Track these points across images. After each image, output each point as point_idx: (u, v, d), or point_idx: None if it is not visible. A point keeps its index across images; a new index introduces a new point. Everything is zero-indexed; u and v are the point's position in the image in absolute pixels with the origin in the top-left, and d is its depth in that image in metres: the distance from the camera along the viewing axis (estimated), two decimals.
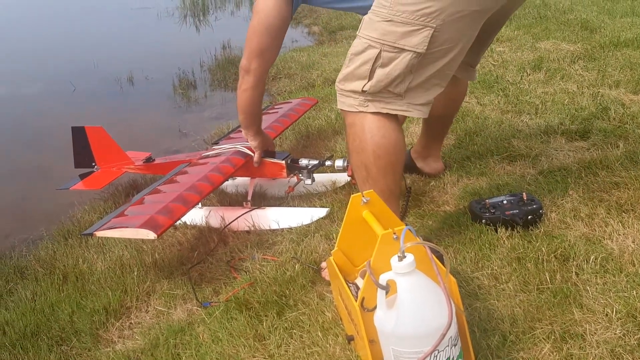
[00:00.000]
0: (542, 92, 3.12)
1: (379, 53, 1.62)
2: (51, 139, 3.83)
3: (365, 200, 1.57)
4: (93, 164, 2.70)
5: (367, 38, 1.64)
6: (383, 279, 1.31)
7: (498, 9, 1.70)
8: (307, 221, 2.29)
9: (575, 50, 3.77)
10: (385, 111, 1.68)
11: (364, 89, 1.66)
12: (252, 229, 2.33)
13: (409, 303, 1.27)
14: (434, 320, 1.27)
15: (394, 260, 1.30)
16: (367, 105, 1.69)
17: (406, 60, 1.61)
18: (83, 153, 2.68)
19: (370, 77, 1.64)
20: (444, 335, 1.25)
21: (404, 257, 1.29)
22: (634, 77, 3.11)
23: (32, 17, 9.33)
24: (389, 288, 1.32)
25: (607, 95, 2.92)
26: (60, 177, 2.88)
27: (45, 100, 5.04)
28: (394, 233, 1.37)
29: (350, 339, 1.54)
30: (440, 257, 1.47)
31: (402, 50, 1.60)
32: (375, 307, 1.34)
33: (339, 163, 2.44)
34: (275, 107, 3.11)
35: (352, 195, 1.57)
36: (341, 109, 1.75)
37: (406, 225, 1.39)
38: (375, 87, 1.65)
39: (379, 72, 1.63)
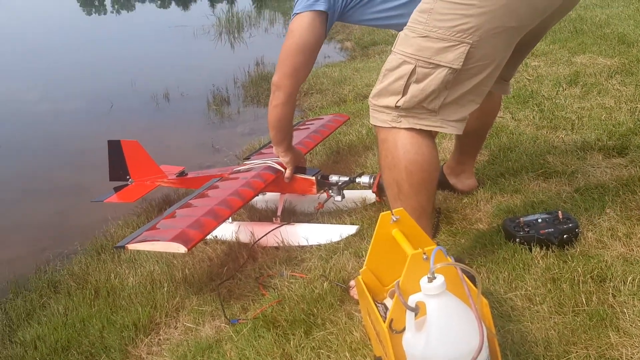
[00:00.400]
0: (579, 107, 3.05)
1: (414, 69, 1.61)
2: (89, 156, 3.92)
3: (394, 219, 1.54)
4: (127, 177, 2.74)
5: (402, 54, 1.63)
6: (412, 300, 1.28)
7: (536, 24, 1.68)
8: (336, 238, 2.27)
9: (612, 64, 3.68)
10: (418, 127, 1.67)
11: (398, 104, 1.65)
12: (281, 245, 2.32)
13: (439, 326, 1.24)
14: (464, 343, 1.23)
15: (424, 281, 1.27)
16: (400, 121, 1.67)
17: (441, 76, 1.59)
18: (118, 166, 2.73)
19: (404, 93, 1.63)
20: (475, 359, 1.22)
21: (434, 278, 1.26)
22: None
23: (74, 39, 9.61)
24: (418, 310, 1.29)
25: None
26: (96, 192, 2.92)
27: (83, 118, 5.17)
28: (424, 253, 1.34)
29: None
30: (472, 278, 1.43)
31: (438, 66, 1.59)
32: (404, 329, 1.32)
33: (365, 180, 2.43)
34: (307, 123, 3.12)
35: (381, 214, 1.55)
36: (374, 125, 1.74)
37: (437, 244, 1.36)
38: (409, 103, 1.64)
39: (414, 88, 1.62)
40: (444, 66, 1.58)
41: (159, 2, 15.97)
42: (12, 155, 4.25)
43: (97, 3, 16.11)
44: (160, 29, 9.91)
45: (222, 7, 11.44)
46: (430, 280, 1.25)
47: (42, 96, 6.03)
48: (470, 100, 1.66)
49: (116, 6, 15.67)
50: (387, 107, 1.67)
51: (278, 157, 2.57)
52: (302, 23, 2.05)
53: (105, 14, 14.39)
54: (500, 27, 1.56)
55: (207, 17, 9.61)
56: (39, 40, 9.45)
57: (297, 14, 2.04)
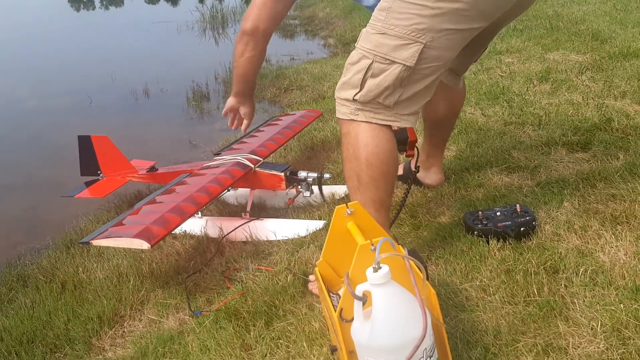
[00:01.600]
0: (547, 104, 3.10)
1: (371, 63, 1.65)
2: (64, 151, 3.90)
3: (349, 212, 1.57)
4: (98, 172, 2.76)
5: (362, 49, 1.68)
6: (359, 289, 1.32)
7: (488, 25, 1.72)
8: (303, 232, 2.30)
9: (584, 61, 3.73)
10: (374, 121, 1.70)
11: (355, 97, 1.69)
12: (250, 239, 2.35)
13: (384, 314, 1.28)
14: (408, 331, 1.26)
15: (369, 271, 1.30)
16: (357, 114, 1.71)
17: (396, 73, 1.63)
18: (89, 161, 2.75)
19: (361, 87, 1.67)
20: (417, 347, 1.25)
21: (379, 268, 1.30)
22: None
23: (60, 35, 9.56)
24: (365, 299, 1.32)
25: (612, 106, 2.89)
26: (71, 187, 2.93)
27: (62, 113, 5.16)
28: (372, 244, 1.37)
29: (333, 349, 1.55)
30: (421, 268, 1.47)
31: (393, 62, 1.63)
32: (353, 318, 1.35)
33: (327, 175, 2.48)
34: (280, 118, 3.14)
35: (337, 207, 1.58)
36: (338, 117, 1.78)
37: (391, 236, 1.40)
38: (365, 97, 1.67)
39: (370, 82, 1.66)
40: (398, 63, 1.62)
41: None
42: None
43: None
44: (144, 25, 9.87)
45: (209, 2, 11.40)
46: (376, 270, 1.29)
47: (21, 91, 6.01)
48: (424, 96, 1.71)
49: (105, 2, 15.58)
50: (347, 99, 1.71)
51: (248, 153, 2.60)
52: None
53: (93, 9, 14.31)
54: (454, 28, 1.61)
55: (191, 12, 9.58)
56: (25, 37, 9.39)
57: None
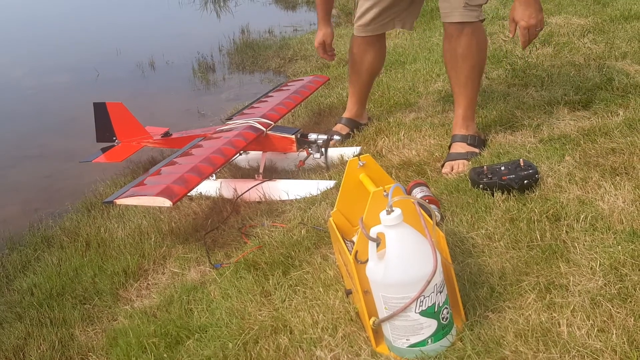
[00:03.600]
0: (549, 66, 3.17)
1: None
2: (76, 123, 4.00)
3: (361, 164, 1.67)
4: (114, 138, 2.84)
5: None
6: (373, 232, 1.42)
7: None
8: (314, 192, 2.39)
9: (585, 24, 3.79)
10: (482, 17, 2.34)
11: (484, 3, 2.30)
12: (263, 199, 2.44)
13: (397, 253, 1.38)
14: (419, 268, 1.37)
15: (383, 213, 1.40)
16: (480, 15, 2.31)
17: None
18: (104, 128, 2.83)
19: None
20: (429, 282, 1.35)
21: (392, 210, 1.39)
22: None
23: (55, 8, 9.54)
24: (379, 240, 1.42)
25: (613, 67, 2.95)
26: (84, 155, 3.02)
27: (70, 87, 5.21)
28: (384, 190, 1.47)
29: (348, 292, 1.65)
30: (430, 214, 1.56)
31: None
32: (367, 260, 1.45)
33: (336, 137, 2.58)
34: (288, 84, 3.22)
35: (349, 160, 1.68)
36: (461, 21, 2.27)
37: (396, 183, 1.49)
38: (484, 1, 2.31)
39: None
40: None
41: None
42: (1, 124, 4.33)
43: None
44: None
45: None
46: (389, 212, 1.38)
47: (28, 67, 6.05)
48: None
49: None
50: (478, 5, 2.27)
51: (259, 117, 2.69)
52: None
53: None
54: None
55: None
56: (23, 12, 9.39)
57: None
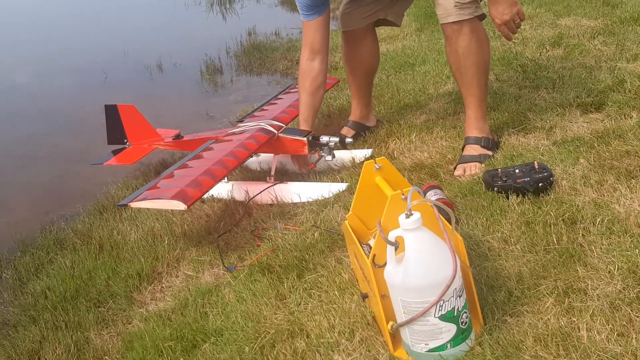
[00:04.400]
0: (560, 67, 3.16)
1: None
2: (86, 124, 4.01)
3: (377, 167, 1.66)
4: (125, 140, 2.85)
5: None
6: (392, 235, 1.41)
7: None
8: (326, 194, 2.39)
9: (595, 26, 3.77)
10: (480, 12, 2.30)
11: None
12: (275, 202, 2.44)
13: (416, 256, 1.37)
14: (439, 272, 1.36)
15: (402, 217, 1.39)
16: (477, 11, 2.27)
17: None
18: (116, 130, 2.84)
19: None
20: (448, 286, 1.35)
21: (411, 214, 1.39)
22: None
23: (65, 13, 9.57)
24: (397, 244, 1.41)
25: (625, 69, 2.94)
26: (94, 158, 3.03)
27: (79, 89, 5.23)
28: (403, 194, 1.46)
29: (364, 296, 1.65)
30: (448, 218, 1.56)
31: None
32: (385, 263, 1.45)
33: (348, 140, 2.58)
34: (297, 86, 3.21)
35: (365, 162, 1.68)
36: (457, 20, 2.25)
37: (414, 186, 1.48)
38: None
39: None
40: None
41: None
42: (11, 125, 4.34)
43: None
44: (151, 1, 9.86)
45: None
46: (408, 216, 1.38)
47: (36, 68, 6.07)
48: None
49: None
50: (470, 1, 2.24)
51: (270, 120, 2.68)
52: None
53: None
54: None
55: None
56: (29, 15, 9.42)
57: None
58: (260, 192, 2.48)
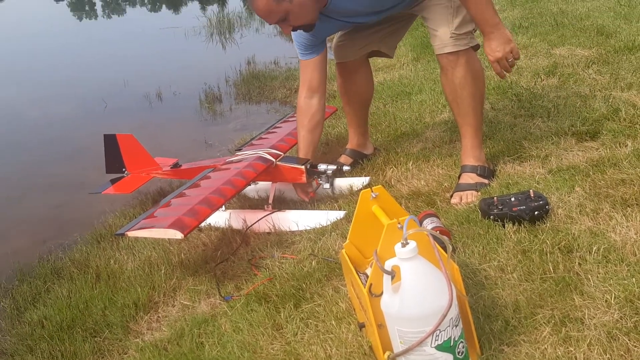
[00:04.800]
0: (555, 96, 3.19)
1: None
2: (85, 153, 4.03)
3: (374, 195, 1.68)
4: (123, 169, 2.86)
5: None
6: (388, 264, 1.41)
7: None
8: (324, 222, 2.39)
9: (589, 55, 3.82)
10: (474, 43, 2.35)
11: (473, 29, 2.34)
12: (273, 230, 2.44)
13: (412, 286, 1.37)
14: (435, 302, 1.36)
15: (398, 246, 1.40)
16: (472, 42, 2.33)
17: None
18: (114, 159, 2.85)
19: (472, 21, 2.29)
20: (444, 316, 1.35)
21: (407, 243, 1.39)
22: None
23: (65, 43, 9.68)
24: (394, 273, 1.41)
25: (619, 97, 2.97)
26: (93, 187, 3.03)
27: (79, 118, 5.27)
28: (399, 222, 1.47)
29: (361, 325, 1.64)
30: (445, 247, 1.56)
31: None
32: (382, 293, 1.45)
33: (346, 168, 2.62)
34: (295, 115, 3.24)
35: (362, 191, 1.69)
36: (454, 51, 2.29)
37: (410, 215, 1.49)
38: (474, 27, 2.34)
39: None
40: None
41: (149, 5, 16.03)
42: (9, 155, 4.37)
43: (87, 8, 16.14)
44: (151, 31, 9.99)
45: (212, 9, 11.52)
46: (404, 245, 1.38)
47: (36, 97, 6.11)
48: None
49: (107, 10, 15.70)
50: (468, 32, 2.30)
51: (269, 148, 2.70)
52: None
53: (96, 18, 14.41)
54: None
55: (197, 18, 9.70)
56: (30, 45, 9.52)
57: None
58: (258, 220, 2.49)
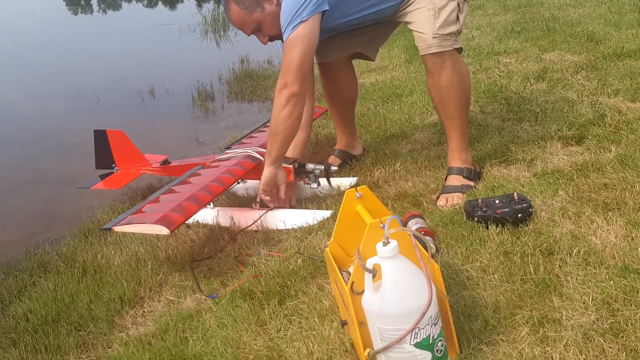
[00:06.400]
0: (543, 101, 3.22)
1: (459, 2, 2.32)
2: (76, 148, 4.04)
3: (358, 195, 1.70)
4: (113, 165, 2.87)
5: None
6: (370, 263, 1.44)
7: None
8: (310, 221, 2.41)
9: (579, 61, 3.86)
10: (458, 45, 2.36)
11: (457, 30, 2.33)
12: (260, 228, 2.46)
13: (392, 284, 1.39)
14: (414, 300, 1.38)
15: (379, 245, 1.42)
16: (455, 44, 2.33)
17: (467, 7, 2.40)
18: (104, 155, 2.86)
19: (457, 21, 2.32)
20: (424, 314, 1.37)
21: (388, 242, 1.41)
22: (633, 86, 3.20)
23: (60, 38, 9.66)
24: (375, 272, 1.43)
25: (606, 103, 3.01)
26: (82, 182, 3.04)
27: (71, 113, 5.27)
28: (381, 222, 1.49)
29: (344, 323, 1.66)
30: (426, 246, 1.58)
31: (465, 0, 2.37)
32: (363, 291, 1.47)
33: (334, 167, 2.63)
34: None
35: (346, 191, 1.71)
36: (438, 52, 2.29)
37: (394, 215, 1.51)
38: (459, 29, 2.35)
39: (461, 17, 2.34)
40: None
41: (145, 1, 16.01)
42: (0, 148, 4.36)
43: (83, 3, 16.10)
44: (146, 27, 9.98)
45: (208, 6, 11.52)
46: (385, 244, 1.40)
47: (28, 92, 6.12)
48: None
49: (102, 5, 15.67)
50: (451, 33, 2.30)
51: (258, 147, 2.71)
52: (310, 28, 2.23)
53: (91, 13, 14.39)
54: None
55: (193, 15, 9.70)
56: (25, 39, 9.50)
57: (303, 21, 2.20)
58: (254, 222, 2.47)
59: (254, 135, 2.99)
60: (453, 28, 2.31)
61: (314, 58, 2.52)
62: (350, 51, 2.76)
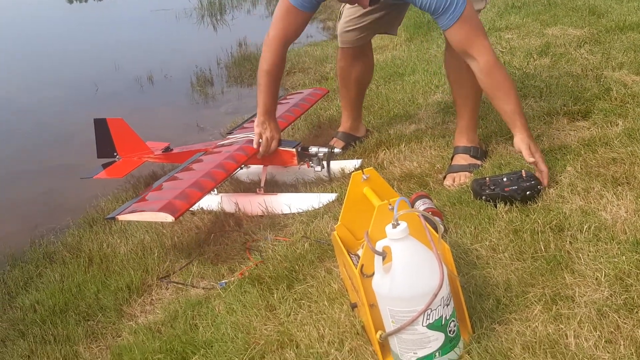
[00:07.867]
0: (547, 76, 3.18)
1: None
2: (77, 137, 4.00)
3: (365, 177, 1.67)
4: (115, 154, 2.85)
5: None
6: (379, 245, 1.42)
7: None
8: (316, 205, 2.39)
9: (581, 35, 3.81)
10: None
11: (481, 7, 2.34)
12: (266, 213, 2.44)
13: (403, 266, 1.38)
14: (426, 281, 1.37)
15: (389, 227, 1.40)
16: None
17: None
18: (105, 144, 2.83)
19: None
20: (435, 295, 1.35)
21: (398, 224, 1.39)
22: (637, 59, 3.16)
23: (56, 26, 9.58)
24: (385, 254, 1.42)
25: (611, 77, 2.97)
26: (85, 171, 3.02)
27: (70, 102, 5.22)
28: (390, 204, 1.47)
29: (354, 306, 1.65)
30: (435, 227, 1.56)
31: None
32: (373, 273, 1.45)
33: (337, 151, 2.62)
34: (287, 97, 3.23)
35: (353, 173, 1.68)
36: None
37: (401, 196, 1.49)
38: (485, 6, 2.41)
39: None
40: None
41: None
42: (1, 139, 4.33)
43: None
44: (142, 13, 9.88)
45: None
46: (395, 226, 1.38)
47: (27, 82, 6.06)
48: None
49: None
50: (477, 10, 2.18)
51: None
52: None
53: (86, 1, 14.27)
54: None
55: (188, 0, 9.60)
56: (21, 28, 9.42)
57: None
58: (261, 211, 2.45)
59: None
60: (480, 5, 2.30)
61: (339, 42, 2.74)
62: (374, 34, 2.76)
